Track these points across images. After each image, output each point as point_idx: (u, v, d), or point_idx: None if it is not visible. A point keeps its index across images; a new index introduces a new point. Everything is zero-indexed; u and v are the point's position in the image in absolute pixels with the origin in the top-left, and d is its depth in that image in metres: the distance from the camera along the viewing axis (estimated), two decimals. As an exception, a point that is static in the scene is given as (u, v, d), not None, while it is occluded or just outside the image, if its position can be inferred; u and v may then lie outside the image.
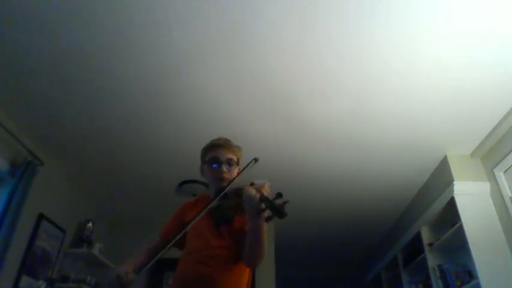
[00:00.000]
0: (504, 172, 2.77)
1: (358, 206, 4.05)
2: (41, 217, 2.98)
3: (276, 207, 1.09)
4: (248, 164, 1.40)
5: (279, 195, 1.10)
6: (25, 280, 2.75)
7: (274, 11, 1.90)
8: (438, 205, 3.20)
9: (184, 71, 2.28)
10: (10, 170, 2.65)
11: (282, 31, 2.01)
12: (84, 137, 2.91)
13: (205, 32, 2.02)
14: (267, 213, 1.14)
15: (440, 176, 3.21)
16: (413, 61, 2.19)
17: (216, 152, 1.51)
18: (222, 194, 1.35)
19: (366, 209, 4.12)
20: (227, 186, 1.38)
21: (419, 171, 3.37)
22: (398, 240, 4.28)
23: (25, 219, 2.70)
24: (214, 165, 1.48)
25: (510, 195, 2.68)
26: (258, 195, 1.16)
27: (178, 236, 1.30)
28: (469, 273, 2.86)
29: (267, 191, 1.18)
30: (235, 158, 1.51)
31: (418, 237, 3.62)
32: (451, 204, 2.95)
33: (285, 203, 1.08)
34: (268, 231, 1.29)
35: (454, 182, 2.92)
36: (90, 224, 3.58)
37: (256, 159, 1.40)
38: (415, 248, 3.78)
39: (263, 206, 1.13)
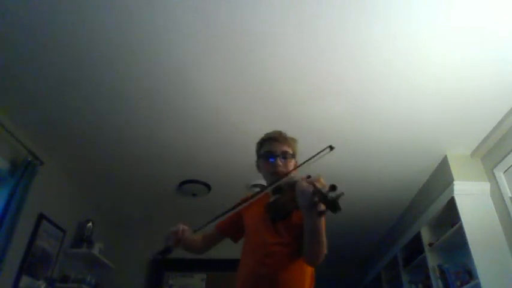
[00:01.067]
0: (504, 172, 2.77)
1: (358, 206, 4.05)
2: (41, 217, 2.98)
3: (329, 200, 1.02)
4: (321, 151, 1.34)
5: (333, 187, 1.04)
6: (25, 280, 2.75)
7: (274, 11, 1.89)
8: (438, 205, 3.20)
9: (185, 71, 2.28)
10: (10, 170, 2.65)
11: (282, 31, 2.01)
12: (84, 137, 2.91)
13: (206, 33, 2.02)
14: (320, 207, 1.08)
15: (440, 176, 3.21)
16: (414, 61, 2.19)
17: (271, 146, 1.47)
18: (275, 186, 1.29)
19: (366, 209, 4.12)
20: (281, 178, 1.32)
21: (419, 171, 3.37)
22: (398, 240, 4.28)
23: (25, 219, 2.70)
24: (269, 160, 1.44)
25: (510, 195, 2.68)
26: (311, 188, 1.09)
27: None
28: (469, 273, 2.86)
29: (322, 184, 1.12)
30: (290, 151, 1.47)
31: (418, 237, 3.62)
32: (451, 204, 2.94)
33: (339, 196, 1.02)
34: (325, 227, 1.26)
35: (454, 182, 2.92)
36: (90, 224, 3.58)
37: (331, 147, 1.34)
38: (415, 248, 3.78)
39: (316, 199, 1.07)
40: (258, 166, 1.54)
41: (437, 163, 3.23)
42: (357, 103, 2.55)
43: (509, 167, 2.71)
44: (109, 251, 3.88)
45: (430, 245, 3.38)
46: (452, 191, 2.93)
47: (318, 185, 1.09)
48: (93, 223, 3.62)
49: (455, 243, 3.07)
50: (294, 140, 1.52)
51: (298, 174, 1.35)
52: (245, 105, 2.59)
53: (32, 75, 2.29)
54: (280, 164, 1.42)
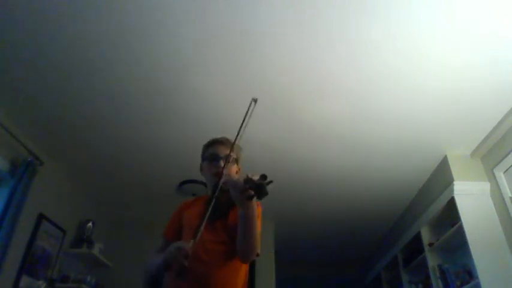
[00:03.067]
0: (504, 172, 2.77)
1: (358, 206, 4.05)
2: (41, 217, 2.98)
3: (257, 184, 1.10)
4: (249, 108, 1.38)
5: (263, 176, 1.11)
6: (25, 280, 2.75)
7: (274, 11, 1.90)
8: (438, 205, 3.20)
9: (185, 71, 2.28)
10: (10, 170, 2.65)
11: (282, 31, 2.01)
12: (84, 137, 2.91)
13: (206, 33, 2.02)
14: (249, 192, 1.14)
15: (440, 176, 3.21)
16: (414, 61, 2.19)
17: (215, 149, 1.53)
18: (218, 188, 1.32)
19: (366, 209, 4.12)
20: (220, 178, 1.35)
21: (419, 171, 3.37)
22: (398, 240, 4.28)
23: (25, 219, 2.71)
24: (213, 162, 1.50)
25: (510, 195, 2.68)
26: (241, 178, 1.16)
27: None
28: (469, 273, 2.86)
29: (254, 176, 1.16)
30: (233, 155, 1.50)
31: (418, 237, 3.62)
32: (451, 204, 2.94)
33: (268, 183, 1.09)
34: (268, 232, 1.27)
35: (454, 182, 2.92)
36: (90, 224, 3.58)
37: (255, 100, 1.40)
38: (415, 248, 3.78)
39: (247, 186, 1.14)
40: (202, 169, 1.59)
41: (437, 163, 3.23)
42: (357, 103, 2.55)
43: (509, 167, 2.71)
44: (109, 251, 3.87)
45: (430, 245, 3.38)
46: (452, 191, 2.93)
47: (249, 175, 1.14)
48: (93, 223, 3.62)
49: (455, 243, 3.07)
50: (238, 147, 1.56)
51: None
52: (245, 106, 2.58)
53: (32, 76, 2.29)
54: (223, 166, 1.46)
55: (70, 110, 2.61)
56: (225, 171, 1.41)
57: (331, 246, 5.33)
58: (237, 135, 1.42)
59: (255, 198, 1.15)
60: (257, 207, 1.32)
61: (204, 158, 1.57)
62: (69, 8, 1.86)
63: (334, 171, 3.37)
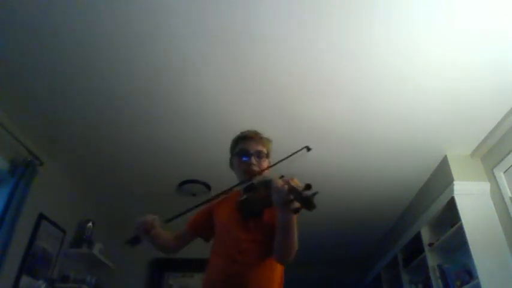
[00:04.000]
0: (504, 172, 2.77)
1: (358, 206, 4.05)
2: (41, 217, 2.98)
3: (304, 197, 1.05)
4: (298, 151, 1.35)
5: (308, 186, 1.06)
6: (25, 280, 2.75)
7: (274, 11, 1.89)
8: (438, 205, 3.20)
9: (184, 71, 2.28)
10: (10, 170, 2.65)
11: (282, 31, 2.01)
12: (84, 137, 2.91)
13: (206, 33, 2.02)
14: (295, 204, 1.10)
15: (440, 176, 3.21)
16: (414, 61, 2.19)
17: (245, 144, 1.48)
18: (248, 185, 1.29)
19: (366, 209, 4.12)
20: (254, 177, 1.33)
21: (419, 171, 3.37)
22: (398, 240, 4.28)
23: (25, 219, 2.70)
24: (243, 158, 1.45)
25: (510, 195, 2.68)
26: (286, 186, 1.11)
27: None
28: (469, 273, 2.86)
29: (296, 183, 1.14)
30: (264, 150, 1.48)
31: (418, 237, 3.62)
32: (451, 204, 2.94)
33: (314, 194, 1.04)
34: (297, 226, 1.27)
35: (454, 182, 2.92)
36: (90, 224, 3.58)
37: (308, 148, 1.36)
38: (415, 248, 3.78)
39: (291, 197, 1.09)
40: (232, 164, 1.55)
41: (437, 163, 3.23)
42: (357, 103, 2.55)
43: (509, 167, 2.70)
44: (109, 251, 3.87)
45: (430, 245, 3.38)
46: (452, 191, 2.93)
47: (293, 184, 1.11)
48: (93, 223, 3.61)
49: (455, 243, 3.07)
50: (268, 141, 1.53)
51: (270, 174, 1.36)
52: (245, 105, 2.59)
53: (32, 76, 2.29)
54: (254, 162, 1.43)
55: (70, 110, 2.61)
56: (258, 168, 1.39)
57: (331, 246, 5.33)
58: (275, 163, 1.41)
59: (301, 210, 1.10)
60: None
61: (233, 153, 1.53)
62: (69, 9, 1.86)
63: (334, 171, 3.37)
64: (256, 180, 1.32)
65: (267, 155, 1.48)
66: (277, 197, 1.14)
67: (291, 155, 1.36)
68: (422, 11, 1.88)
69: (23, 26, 1.95)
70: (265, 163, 1.46)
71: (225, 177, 3.88)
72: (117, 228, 4.35)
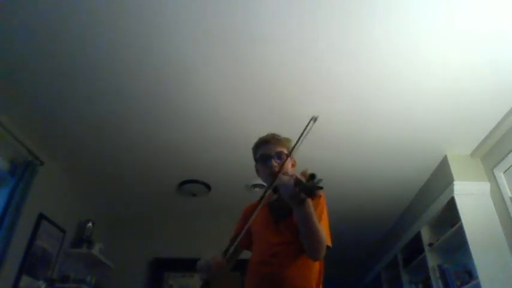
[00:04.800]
0: (504, 172, 2.77)
1: (358, 205, 4.05)
2: (41, 217, 2.98)
3: (306, 187, 1.08)
4: (307, 125, 1.34)
5: (313, 176, 1.10)
6: (25, 280, 2.75)
7: (274, 12, 1.89)
8: (438, 205, 3.20)
9: (184, 72, 2.28)
10: (10, 170, 2.65)
11: (281, 32, 2.01)
12: (84, 137, 2.91)
13: (206, 33, 2.02)
14: (302, 195, 1.12)
15: (440, 176, 3.21)
16: (414, 61, 2.19)
17: (264, 149, 1.49)
18: (272, 186, 1.30)
19: (366, 209, 4.12)
20: (275, 178, 1.32)
21: (419, 171, 3.37)
22: (398, 240, 4.28)
23: (25, 219, 2.70)
24: (266, 162, 1.46)
25: (510, 195, 2.68)
26: (292, 180, 1.13)
27: (243, 232, 1.30)
28: (469, 273, 2.86)
29: (305, 176, 1.15)
30: (285, 150, 1.48)
31: (418, 237, 3.62)
32: (451, 204, 2.94)
33: (317, 182, 1.08)
34: (326, 216, 1.27)
35: (454, 182, 2.92)
36: (90, 224, 3.58)
37: (314, 119, 1.35)
38: (415, 248, 3.78)
39: (297, 189, 1.11)
40: (257, 171, 1.56)
41: (437, 163, 3.23)
42: (357, 103, 2.55)
43: (509, 167, 2.70)
44: (109, 251, 3.87)
45: (430, 245, 3.38)
46: (452, 191, 2.93)
47: (299, 176, 1.13)
48: (93, 223, 3.61)
49: (455, 243, 3.07)
50: (287, 140, 1.53)
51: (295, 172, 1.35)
52: (245, 106, 2.60)
53: (32, 76, 2.29)
54: (276, 164, 1.43)
55: (70, 110, 2.61)
56: (279, 171, 1.36)
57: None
58: (293, 147, 1.40)
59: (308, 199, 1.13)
60: (319, 198, 1.33)
61: (256, 160, 1.54)
62: (69, 9, 1.86)
63: (334, 171, 3.38)
64: (277, 180, 1.31)
65: (288, 154, 1.47)
66: (284, 191, 1.17)
67: (302, 133, 1.35)
68: (422, 11, 1.88)
69: (22, 27, 1.95)
70: (289, 163, 1.46)
71: (225, 177, 3.89)
72: (117, 228, 4.36)
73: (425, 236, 3.49)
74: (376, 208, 4.11)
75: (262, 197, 1.33)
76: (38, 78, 2.31)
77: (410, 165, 3.28)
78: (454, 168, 3.01)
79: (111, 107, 2.59)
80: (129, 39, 2.05)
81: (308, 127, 1.34)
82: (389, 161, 3.21)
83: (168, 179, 3.52)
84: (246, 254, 1.55)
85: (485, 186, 2.91)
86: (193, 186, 3.57)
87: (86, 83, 2.36)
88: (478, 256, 2.62)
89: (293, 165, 1.50)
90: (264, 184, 1.51)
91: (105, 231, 4.13)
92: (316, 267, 1.36)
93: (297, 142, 1.38)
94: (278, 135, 1.54)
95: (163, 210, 4.18)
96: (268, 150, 1.47)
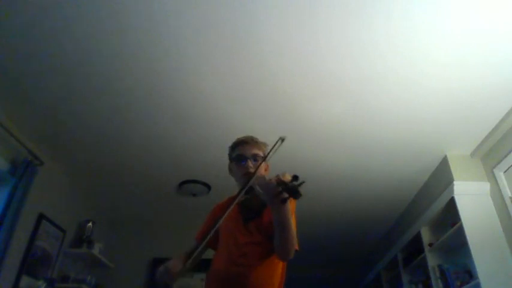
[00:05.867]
0: (504, 172, 2.77)
1: (358, 206, 4.05)
2: (41, 217, 2.98)
3: (290, 187, 1.10)
4: (275, 144, 1.37)
5: (295, 177, 1.11)
6: (25, 280, 2.75)
7: (274, 11, 1.89)
8: (438, 205, 3.20)
9: (185, 71, 2.28)
10: (10, 170, 2.65)
11: (282, 31, 2.01)
12: (84, 137, 2.91)
13: (206, 33, 2.02)
14: (284, 195, 1.13)
15: (440, 176, 3.21)
16: (413, 61, 2.18)
17: (242, 149, 1.52)
18: (246, 187, 1.31)
19: (366, 209, 4.12)
20: (250, 178, 1.34)
21: (419, 171, 3.37)
22: (398, 240, 4.28)
23: (25, 219, 2.70)
24: (241, 162, 1.48)
25: (510, 195, 2.68)
26: (274, 180, 1.15)
27: (210, 235, 1.29)
28: (469, 273, 2.86)
29: (285, 177, 1.16)
30: (261, 153, 1.51)
31: (418, 237, 3.62)
32: (451, 204, 2.94)
33: (300, 184, 1.09)
34: (295, 220, 1.29)
35: (454, 182, 2.92)
36: (90, 224, 3.58)
37: (282, 139, 1.38)
38: (415, 248, 3.78)
39: (279, 189, 1.13)
40: (230, 169, 1.59)
41: (437, 163, 3.23)
42: (357, 103, 2.55)
43: (509, 167, 2.71)
44: (109, 251, 3.88)
45: (430, 245, 3.38)
46: (452, 191, 2.93)
47: (281, 177, 1.14)
48: (93, 223, 3.62)
49: (455, 243, 3.07)
50: (264, 144, 1.56)
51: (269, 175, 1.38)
52: (245, 106, 2.59)
53: (31, 76, 2.29)
54: (251, 165, 1.46)
55: (70, 110, 2.61)
56: (255, 171, 1.39)
57: (331, 246, 5.33)
58: (259, 165, 1.41)
59: (289, 200, 1.14)
60: (292, 201, 1.31)
61: (231, 159, 1.56)
62: (69, 9, 1.86)
63: (334, 171, 3.38)
64: (251, 181, 1.34)
65: (264, 158, 1.51)
66: (266, 191, 1.18)
67: (269, 152, 1.40)
68: (423, 11, 1.88)
69: (23, 27, 1.95)
70: (262, 166, 1.48)
71: (225, 177, 3.88)
72: (117, 228, 4.36)
73: (425, 236, 3.49)
74: (376, 208, 4.11)
75: (236, 197, 1.34)
76: (38, 78, 2.31)
77: (410, 165, 3.28)
78: (454, 169, 3.01)
79: (111, 107, 2.59)
80: (129, 39, 2.05)
81: (275, 147, 1.36)
82: (389, 161, 3.21)
83: (168, 179, 3.52)
84: (209, 253, 1.55)
85: (485, 186, 2.91)
86: (193, 186, 3.57)
87: (85, 83, 2.36)
88: (478, 256, 2.62)
89: (266, 170, 1.52)
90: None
91: (105, 231, 4.14)
92: (279, 269, 1.39)
93: (265, 158, 1.43)
94: (256, 138, 1.56)
95: (163, 210, 4.18)
96: (245, 151, 1.50)
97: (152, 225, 4.37)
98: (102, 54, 2.15)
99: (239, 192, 1.33)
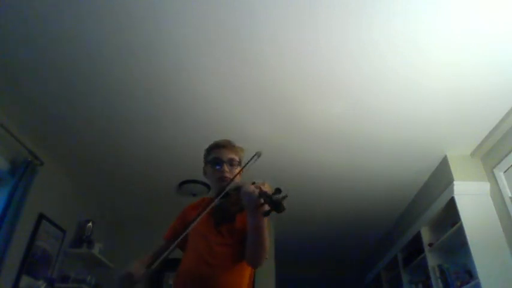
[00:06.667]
0: (504, 172, 2.77)
1: (358, 206, 4.05)
2: (41, 217, 2.98)
3: (274, 200, 1.10)
4: (251, 159, 1.38)
5: (278, 190, 1.11)
6: (25, 280, 2.75)
7: (274, 11, 1.89)
8: (438, 205, 3.20)
9: (185, 71, 2.28)
10: (10, 170, 2.65)
11: (282, 31, 2.01)
12: (84, 137, 2.91)
13: (205, 33, 2.02)
14: (265, 207, 1.14)
15: (440, 176, 3.21)
16: (414, 61, 2.19)
17: (218, 153, 1.51)
18: (223, 193, 1.33)
19: (366, 209, 4.12)
20: (228, 184, 1.38)
21: (419, 171, 3.37)
22: (398, 240, 4.28)
23: (25, 219, 2.70)
24: (216, 166, 1.49)
25: (510, 195, 2.68)
26: (256, 191, 1.15)
27: (181, 237, 1.30)
28: (469, 273, 2.86)
29: (267, 188, 1.17)
30: (237, 158, 1.51)
31: (418, 237, 3.62)
32: (451, 204, 2.94)
33: (283, 197, 1.09)
34: (269, 230, 1.29)
35: (454, 182, 2.92)
36: (90, 224, 3.58)
37: (258, 154, 1.38)
38: (415, 248, 3.78)
39: (262, 200, 1.14)
40: (205, 172, 1.59)
41: (437, 163, 3.23)
42: (357, 103, 2.55)
43: (509, 167, 2.70)
44: (109, 251, 3.87)
45: (430, 245, 3.38)
46: (452, 191, 2.93)
47: (264, 188, 1.15)
48: (93, 223, 3.62)
49: (455, 243, 3.07)
50: (241, 149, 1.56)
51: (243, 181, 1.39)
52: (245, 105, 2.59)
53: (32, 76, 2.29)
54: (227, 170, 1.47)
55: (70, 110, 2.61)
56: (230, 176, 1.42)
57: (331, 246, 5.33)
58: (232, 179, 1.43)
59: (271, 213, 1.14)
60: None
61: (206, 161, 1.57)
62: (69, 9, 1.86)
63: (334, 171, 3.38)
64: (228, 187, 1.37)
65: (239, 163, 1.52)
66: (247, 200, 1.19)
67: (245, 165, 1.41)
68: (422, 11, 1.88)
69: (23, 29, 1.95)
70: (237, 170, 1.50)
71: (225, 177, 3.83)
72: (117, 228, 4.36)
73: (425, 236, 3.49)
74: (376, 208, 4.11)
75: (212, 200, 1.35)
76: (38, 79, 2.31)
77: (411, 165, 3.28)
78: (454, 168, 3.01)
79: (111, 107, 2.59)
80: (129, 39, 2.05)
81: (251, 161, 1.38)
82: (389, 161, 3.21)
83: (168, 179, 3.52)
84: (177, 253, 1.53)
85: (485, 186, 2.91)
86: (193, 186, 3.57)
87: (86, 83, 2.36)
88: (478, 256, 2.62)
89: (239, 175, 1.51)
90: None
91: (105, 231, 4.13)
92: (248, 275, 1.40)
93: (239, 172, 1.45)
94: (233, 143, 1.56)
95: (163, 210, 4.17)
96: (222, 155, 1.50)
97: (152, 225, 4.35)
98: (102, 55, 2.15)
99: (216, 197, 1.34)
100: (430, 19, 1.92)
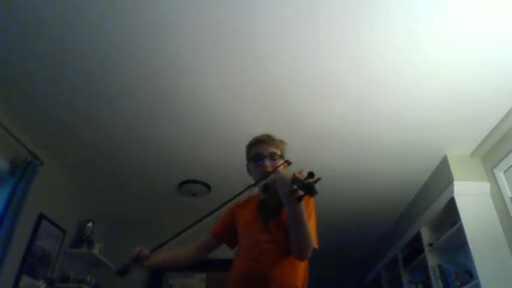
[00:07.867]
0: (504, 172, 2.77)
1: (358, 206, 4.05)
2: (41, 217, 2.98)
3: (305, 184, 1.09)
4: (244, 190, 1.40)
5: (311, 174, 1.10)
6: (25, 280, 2.75)
7: (274, 11, 1.89)
8: (438, 205, 3.20)
9: (185, 71, 2.28)
10: (10, 170, 2.65)
11: (282, 31, 2.01)
12: (84, 136, 2.91)
13: (205, 33, 2.02)
14: (299, 193, 1.13)
15: (440, 176, 3.21)
16: (414, 61, 2.19)
17: (259, 148, 1.51)
18: (263, 183, 1.32)
19: (366, 209, 4.12)
20: (265, 176, 1.36)
21: (419, 171, 3.37)
22: (398, 240, 4.28)
23: (25, 219, 2.70)
24: (258, 162, 1.48)
25: (510, 195, 2.68)
26: (289, 177, 1.15)
27: (183, 232, 1.34)
28: (469, 273, 2.86)
29: (301, 175, 1.16)
30: (278, 152, 1.50)
31: (418, 237, 3.62)
32: (451, 204, 2.94)
33: (316, 181, 1.09)
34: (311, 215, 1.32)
35: (454, 182, 2.92)
36: (90, 224, 3.58)
37: (289, 162, 1.40)
38: (415, 248, 3.78)
39: (295, 186, 1.13)
40: (249, 169, 1.58)
41: (437, 163, 3.23)
42: (357, 103, 2.55)
43: (509, 167, 2.70)
44: (109, 251, 3.87)
45: (430, 245, 3.38)
46: (452, 191, 2.93)
47: (297, 174, 1.15)
48: (93, 223, 3.62)
49: (455, 243, 3.07)
50: (282, 142, 1.56)
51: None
52: (245, 105, 2.59)
53: (32, 76, 2.29)
54: (269, 164, 1.46)
55: (70, 110, 2.61)
56: (273, 170, 1.41)
57: (331, 246, 5.32)
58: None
59: (306, 197, 1.13)
60: (309, 199, 1.32)
61: (249, 158, 1.56)
62: (69, 8, 1.86)
63: (334, 171, 3.37)
64: (270, 180, 1.35)
65: (281, 156, 1.51)
66: (281, 187, 1.18)
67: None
68: (422, 11, 1.88)
69: (23, 29, 1.95)
70: (280, 164, 1.48)
71: (225, 177, 3.89)
72: (117, 228, 4.36)
73: (425, 236, 3.49)
74: (376, 208, 4.11)
75: (247, 188, 1.36)
76: (38, 79, 2.31)
77: (411, 165, 3.28)
78: (454, 168, 3.01)
79: (111, 107, 2.59)
80: (129, 39, 2.05)
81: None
82: (389, 161, 3.21)
83: (168, 179, 3.52)
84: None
85: (485, 186, 2.91)
86: (193, 186, 3.57)
87: (86, 83, 2.36)
88: (478, 256, 2.62)
89: (284, 167, 1.51)
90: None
91: (105, 231, 4.14)
92: (302, 267, 1.37)
93: (281, 164, 1.45)
94: (273, 136, 1.55)
95: (163, 210, 4.18)
96: (262, 150, 1.50)
97: (152, 225, 4.36)
98: (103, 56, 2.15)
99: (251, 185, 1.34)
100: (430, 19, 1.92)
